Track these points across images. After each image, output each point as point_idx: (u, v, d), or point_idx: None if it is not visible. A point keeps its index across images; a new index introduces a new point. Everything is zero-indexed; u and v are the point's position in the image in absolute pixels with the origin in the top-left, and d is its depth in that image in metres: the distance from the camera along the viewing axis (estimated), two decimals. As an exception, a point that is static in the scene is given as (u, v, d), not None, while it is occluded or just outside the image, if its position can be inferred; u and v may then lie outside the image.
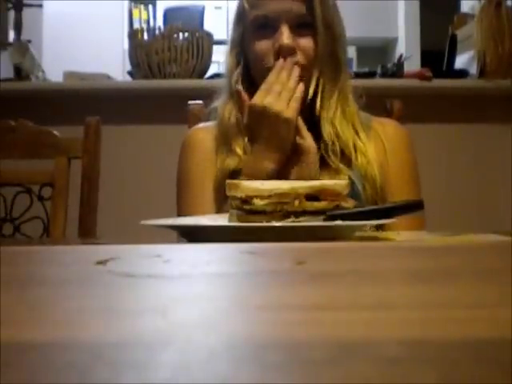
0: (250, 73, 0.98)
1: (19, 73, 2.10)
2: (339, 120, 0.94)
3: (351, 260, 0.40)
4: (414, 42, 4.01)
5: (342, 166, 0.93)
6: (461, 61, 2.23)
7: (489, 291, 0.28)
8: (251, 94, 0.94)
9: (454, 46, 2.16)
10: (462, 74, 2.11)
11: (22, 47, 2.13)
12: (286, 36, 0.91)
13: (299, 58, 0.92)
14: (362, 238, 0.68)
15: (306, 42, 0.93)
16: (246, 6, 0.95)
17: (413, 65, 3.12)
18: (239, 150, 0.94)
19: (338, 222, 0.65)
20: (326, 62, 0.94)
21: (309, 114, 0.94)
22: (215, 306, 0.25)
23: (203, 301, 0.26)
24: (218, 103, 1.01)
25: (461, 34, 2.27)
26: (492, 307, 0.24)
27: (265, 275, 0.32)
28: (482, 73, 2.00)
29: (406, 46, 4.02)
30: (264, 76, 0.92)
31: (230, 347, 0.18)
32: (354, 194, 0.89)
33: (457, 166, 2.06)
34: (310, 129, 0.91)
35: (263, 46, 0.93)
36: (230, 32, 1.02)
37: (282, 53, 0.91)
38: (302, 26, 0.93)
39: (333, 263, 0.39)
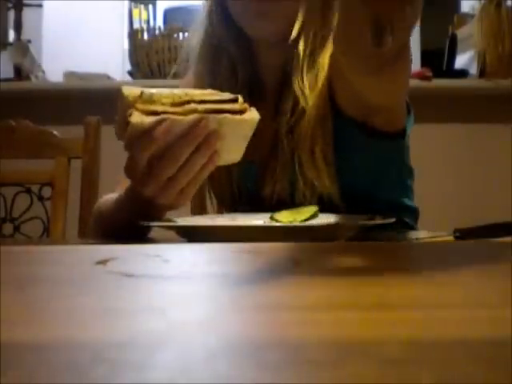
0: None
1: (19, 73, 2.10)
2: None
3: (351, 260, 0.40)
4: (414, 42, 4.01)
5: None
6: (461, 61, 2.23)
7: (489, 291, 0.28)
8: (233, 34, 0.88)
9: (454, 46, 2.16)
10: (462, 73, 2.11)
11: (22, 47, 2.13)
12: None
13: None
14: (361, 238, 0.68)
15: None
16: None
17: (413, 65, 3.12)
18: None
19: (338, 222, 0.65)
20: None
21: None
22: (215, 306, 0.25)
23: (203, 301, 0.26)
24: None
25: (461, 33, 2.27)
26: (492, 307, 0.24)
27: (264, 275, 0.32)
28: (482, 73, 2.00)
29: (406, 45, 4.02)
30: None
31: (229, 347, 0.18)
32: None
33: (457, 165, 2.06)
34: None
35: None
36: None
37: None
38: None
39: (332, 263, 0.39)
